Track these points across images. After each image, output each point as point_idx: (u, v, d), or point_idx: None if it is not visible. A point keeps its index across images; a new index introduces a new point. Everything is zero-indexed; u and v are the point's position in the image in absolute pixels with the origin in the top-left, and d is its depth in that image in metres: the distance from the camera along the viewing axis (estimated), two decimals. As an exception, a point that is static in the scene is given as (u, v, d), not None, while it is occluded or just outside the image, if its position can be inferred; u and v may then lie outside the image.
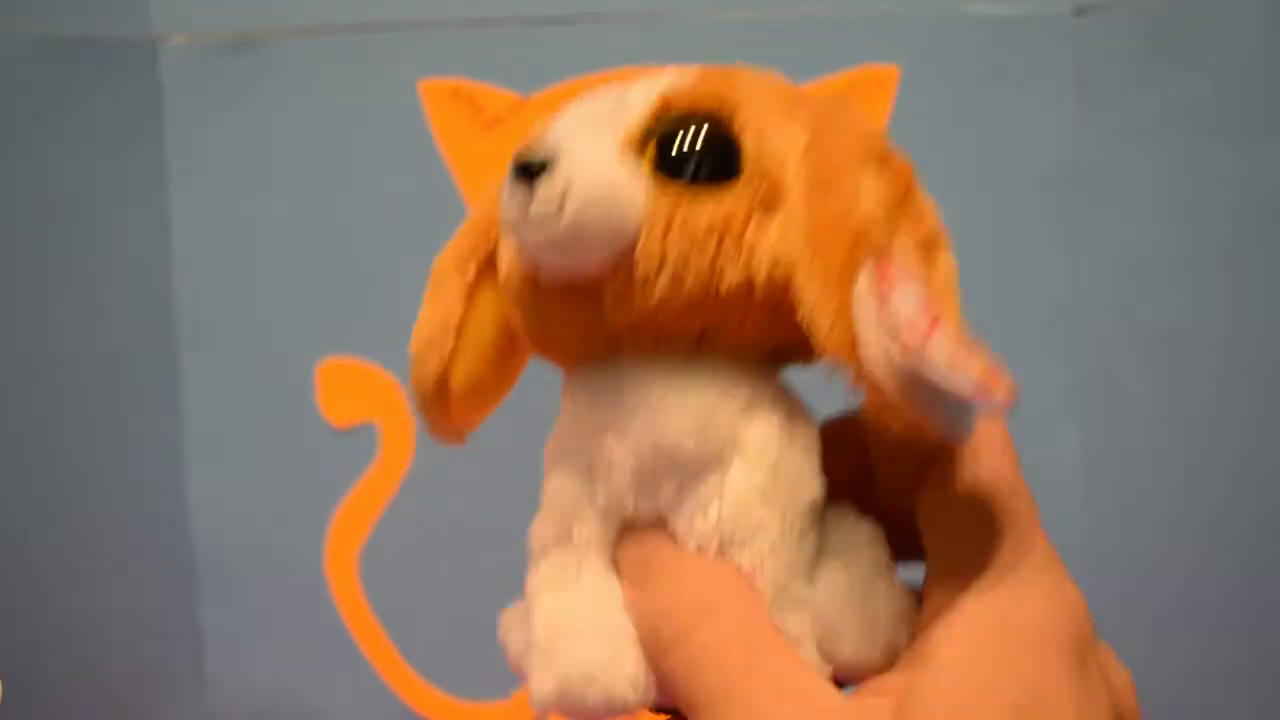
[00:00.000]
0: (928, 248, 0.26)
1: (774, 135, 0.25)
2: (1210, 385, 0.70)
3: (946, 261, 0.26)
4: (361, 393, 0.75)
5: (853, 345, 0.22)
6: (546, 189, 0.23)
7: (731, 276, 0.24)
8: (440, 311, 0.28)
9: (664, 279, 0.24)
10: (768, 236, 0.24)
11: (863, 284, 0.22)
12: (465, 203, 0.74)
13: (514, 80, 0.73)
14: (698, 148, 0.24)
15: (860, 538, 0.26)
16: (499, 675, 0.77)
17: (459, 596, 0.75)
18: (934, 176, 0.73)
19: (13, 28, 0.71)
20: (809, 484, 0.25)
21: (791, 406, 0.26)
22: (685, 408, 0.25)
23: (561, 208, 0.23)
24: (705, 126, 0.25)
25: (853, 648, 0.25)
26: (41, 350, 0.73)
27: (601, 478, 0.25)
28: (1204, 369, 0.70)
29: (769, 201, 0.24)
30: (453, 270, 0.29)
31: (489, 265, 0.28)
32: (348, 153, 0.74)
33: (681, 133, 0.24)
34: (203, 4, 0.75)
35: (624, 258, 0.24)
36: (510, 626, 0.30)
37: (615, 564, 0.26)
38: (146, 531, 0.76)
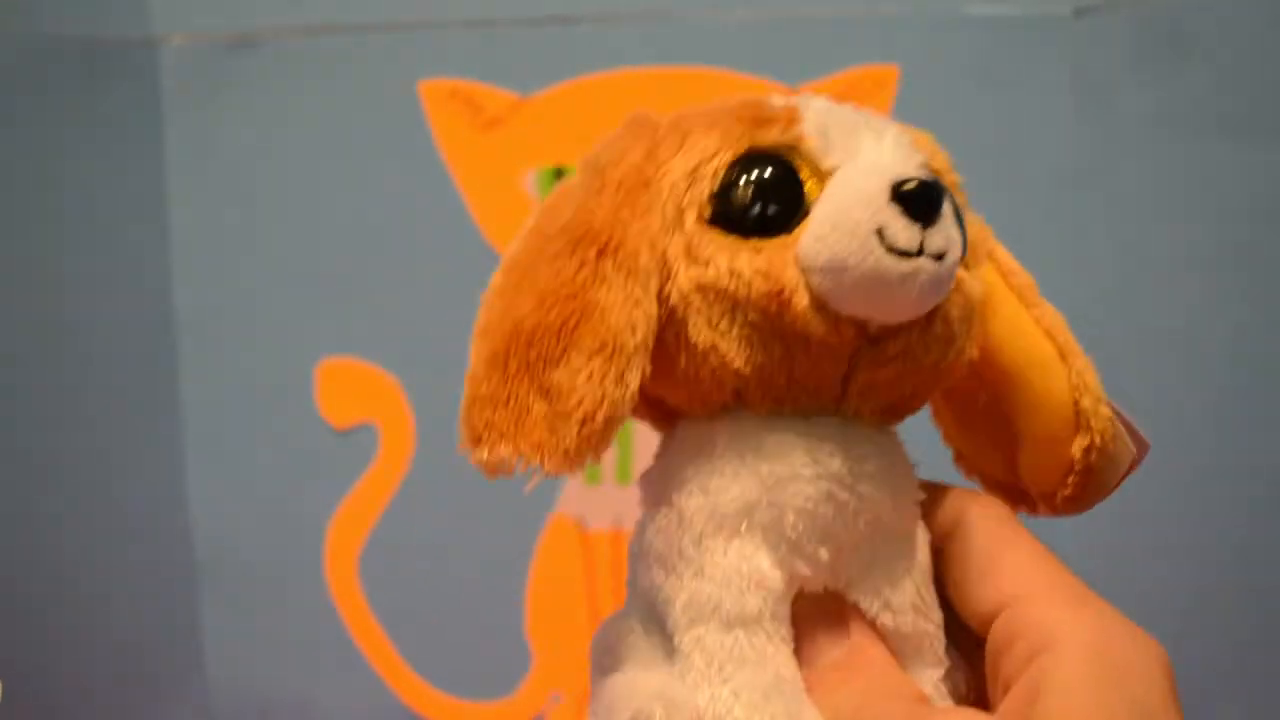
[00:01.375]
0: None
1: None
2: (1210, 384, 0.70)
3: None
4: (361, 393, 0.75)
5: (1105, 424, 0.25)
6: (944, 231, 0.22)
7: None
8: (645, 314, 0.23)
9: (944, 345, 0.24)
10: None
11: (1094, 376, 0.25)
12: (465, 203, 0.74)
13: (514, 81, 0.73)
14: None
15: None
16: (498, 675, 0.77)
17: (458, 596, 0.76)
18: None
19: (13, 28, 0.71)
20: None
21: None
22: (899, 479, 0.24)
23: (945, 255, 0.22)
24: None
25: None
26: (42, 350, 0.73)
27: (807, 551, 0.23)
28: (1204, 368, 0.70)
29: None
30: (649, 259, 0.23)
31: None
32: (348, 153, 0.74)
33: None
34: (202, 4, 0.75)
35: (923, 317, 0.23)
36: (654, 698, 0.24)
37: (797, 640, 0.24)
38: (146, 531, 0.76)
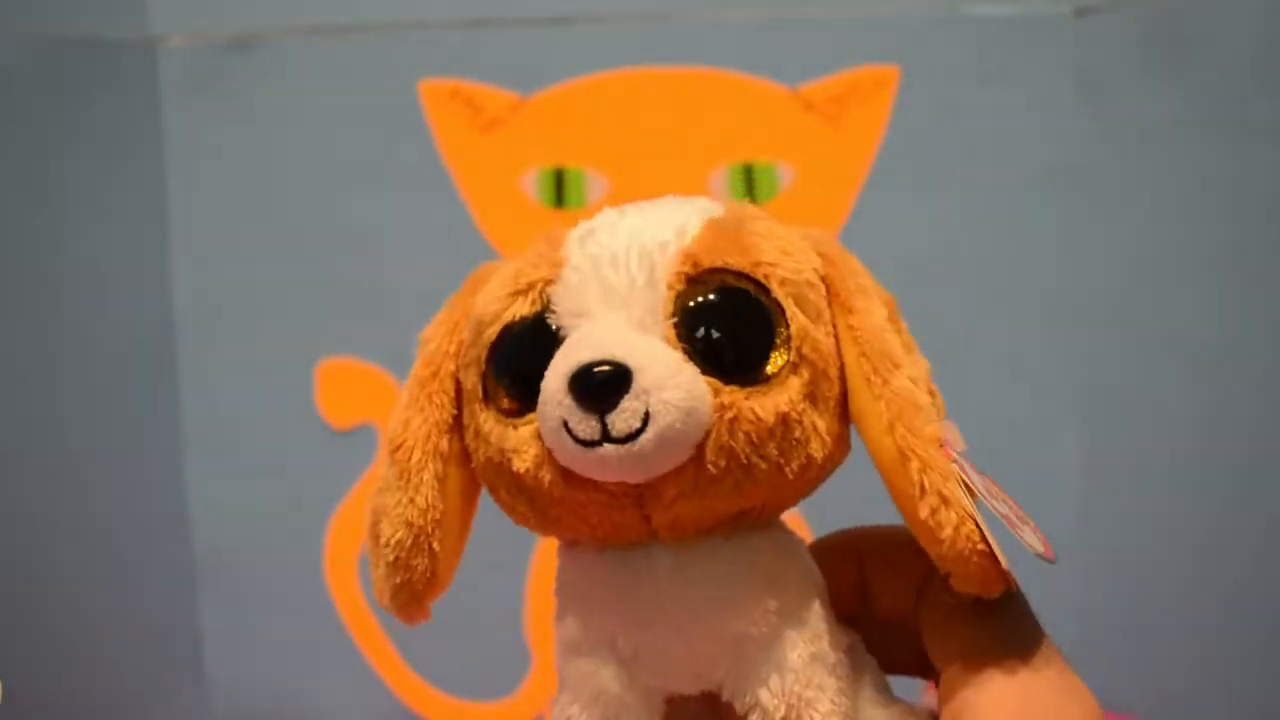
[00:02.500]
0: (910, 350, 0.26)
1: (808, 313, 0.25)
2: (1209, 385, 0.70)
3: (923, 365, 0.26)
4: (361, 393, 0.75)
5: (954, 531, 0.23)
6: (629, 409, 0.22)
7: (796, 462, 0.24)
8: (418, 510, 0.26)
9: (735, 475, 0.24)
10: (830, 417, 0.25)
11: (946, 468, 0.24)
12: (465, 203, 0.74)
13: (514, 81, 0.73)
14: (738, 337, 0.24)
15: (859, 660, 0.27)
16: (498, 675, 0.77)
17: (458, 597, 0.75)
18: (934, 177, 0.74)
19: (13, 28, 0.71)
20: (841, 631, 0.26)
21: (801, 551, 0.27)
22: (739, 592, 0.25)
23: (646, 427, 0.23)
24: (740, 309, 0.24)
25: None
26: (42, 350, 0.73)
27: (648, 666, 0.25)
28: (1203, 369, 0.70)
29: (823, 382, 0.25)
30: (421, 455, 0.26)
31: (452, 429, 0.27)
32: (348, 153, 0.74)
33: (716, 320, 0.24)
34: (202, 5, 0.75)
35: (690, 459, 0.24)
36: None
37: None
38: (146, 532, 0.76)
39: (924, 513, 0.23)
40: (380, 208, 0.74)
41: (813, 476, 0.25)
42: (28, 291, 0.73)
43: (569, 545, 0.27)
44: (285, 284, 0.75)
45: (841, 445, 0.26)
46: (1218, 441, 0.70)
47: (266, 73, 0.74)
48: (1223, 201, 0.69)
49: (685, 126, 0.72)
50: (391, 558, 0.27)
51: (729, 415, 0.23)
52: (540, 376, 0.24)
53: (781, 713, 0.25)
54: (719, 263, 0.24)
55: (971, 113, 0.72)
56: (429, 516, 0.26)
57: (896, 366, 0.24)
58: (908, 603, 0.27)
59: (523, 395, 0.25)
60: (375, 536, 0.27)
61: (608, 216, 0.26)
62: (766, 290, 0.24)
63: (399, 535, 0.26)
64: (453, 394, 0.27)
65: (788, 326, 0.24)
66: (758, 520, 0.26)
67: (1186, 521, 0.71)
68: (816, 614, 0.26)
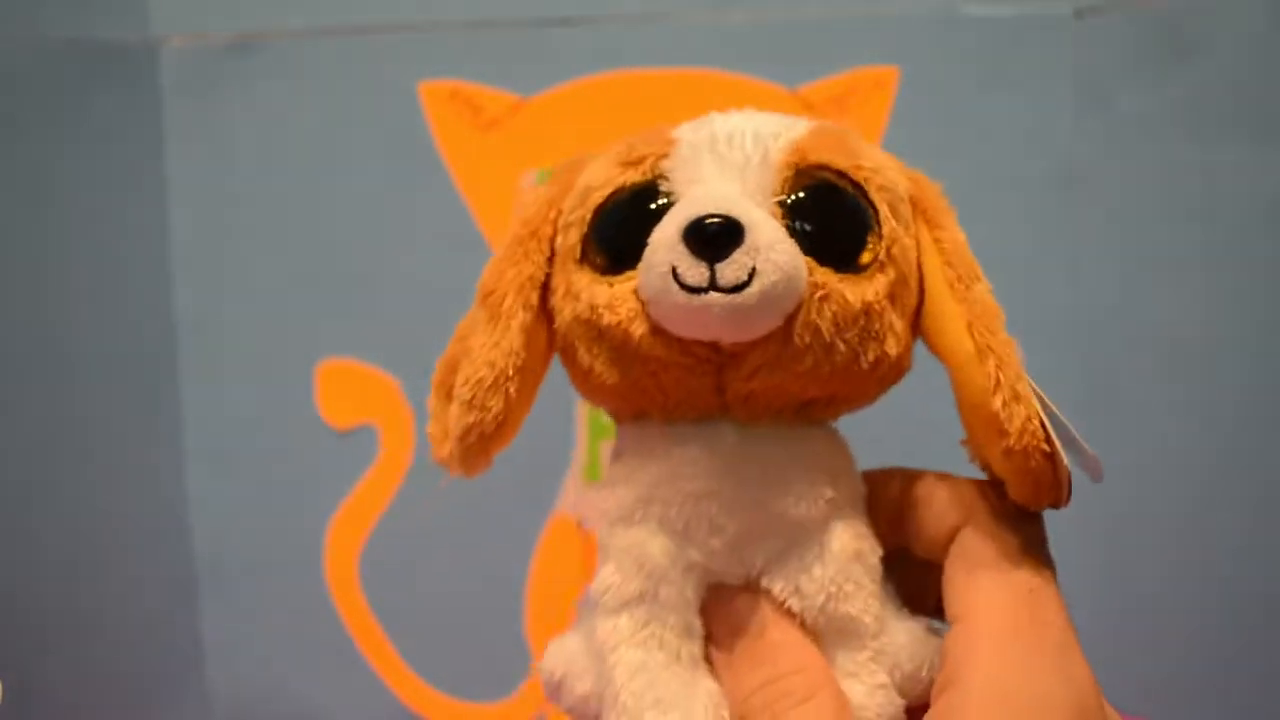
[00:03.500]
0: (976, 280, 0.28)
1: (898, 221, 0.26)
2: (1210, 384, 0.70)
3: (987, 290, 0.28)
4: (361, 394, 0.75)
5: (1023, 425, 0.24)
6: (739, 262, 0.23)
7: (873, 354, 0.25)
8: (503, 352, 0.27)
9: (816, 354, 0.25)
10: (905, 321, 0.26)
11: (1020, 368, 0.25)
12: (465, 204, 0.74)
13: (514, 82, 0.73)
14: (836, 226, 0.25)
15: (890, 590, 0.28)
16: (498, 675, 0.77)
17: (458, 597, 0.76)
18: (934, 177, 0.73)
19: (13, 29, 0.71)
20: (877, 542, 0.27)
21: (852, 459, 0.28)
22: (797, 476, 0.26)
23: (751, 281, 0.23)
24: (841, 203, 0.25)
25: (920, 688, 0.26)
26: (41, 351, 0.73)
27: (698, 540, 0.26)
28: (1204, 369, 0.70)
29: (903, 287, 0.26)
30: (514, 301, 0.27)
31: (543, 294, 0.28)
32: (348, 154, 0.75)
33: (818, 206, 0.25)
34: (202, 6, 0.75)
35: (779, 329, 0.24)
36: (563, 660, 0.29)
37: (705, 627, 0.27)
38: (146, 532, 0.76)
39: (996, 404, 0.24)
40: (380, 208, 0.75)
41: (881, 375, 0.26)
42: (28, 292, 0.73)
43: (634, 420, 0.28)
44: (285, 284, 0.76)
45: (909, 354, 0.27)
46: (1217, 441, 0.70)
47: (267, 73, 0.74)
48: (1222, 201, 0.69)
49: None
50: (469, 396, 0.27)
51: (820, 293, 0.24)
52: (642, 241, 0.25)
53: (820, 601, 0.26)
54: (825, 159, 0.26)
55: (971, 113, 0.72)
56: (512, 361, 0.27)
57: (978, 278, 0.27)
58: (939, 546, 0.27)
59: (622, 256, 0.25)
60: (445, 382, 0.28)
61: (717, 114, 0.27)
62: (864, 191, 0.26)
63: (480, 374, 0.27)
64: (547, 255, 0.27)
65: (880, 226, 0.26)
66: (822, 415, 0.27)
67: (1186, 521, 0.71)
68: (862, 516, 0.27)
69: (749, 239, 0.23)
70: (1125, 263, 0.71)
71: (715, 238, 0.23)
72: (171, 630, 0.77)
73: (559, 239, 0.27)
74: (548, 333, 0.28)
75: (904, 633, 0.27)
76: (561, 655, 0.28)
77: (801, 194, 0.25)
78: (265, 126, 0.75)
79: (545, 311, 0.28)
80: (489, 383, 0.26)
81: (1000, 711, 0.23)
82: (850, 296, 0.25)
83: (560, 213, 0.27)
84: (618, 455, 0.28)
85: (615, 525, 0.27)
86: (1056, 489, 0.25)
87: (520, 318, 0.27)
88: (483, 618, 0.76)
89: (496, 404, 0.27)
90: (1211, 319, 0.70)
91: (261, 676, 0.78)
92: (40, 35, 0.72)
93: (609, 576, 0.27)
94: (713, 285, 0.23)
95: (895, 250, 0.26)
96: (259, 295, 0.76)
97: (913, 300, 0.26)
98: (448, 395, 0.28)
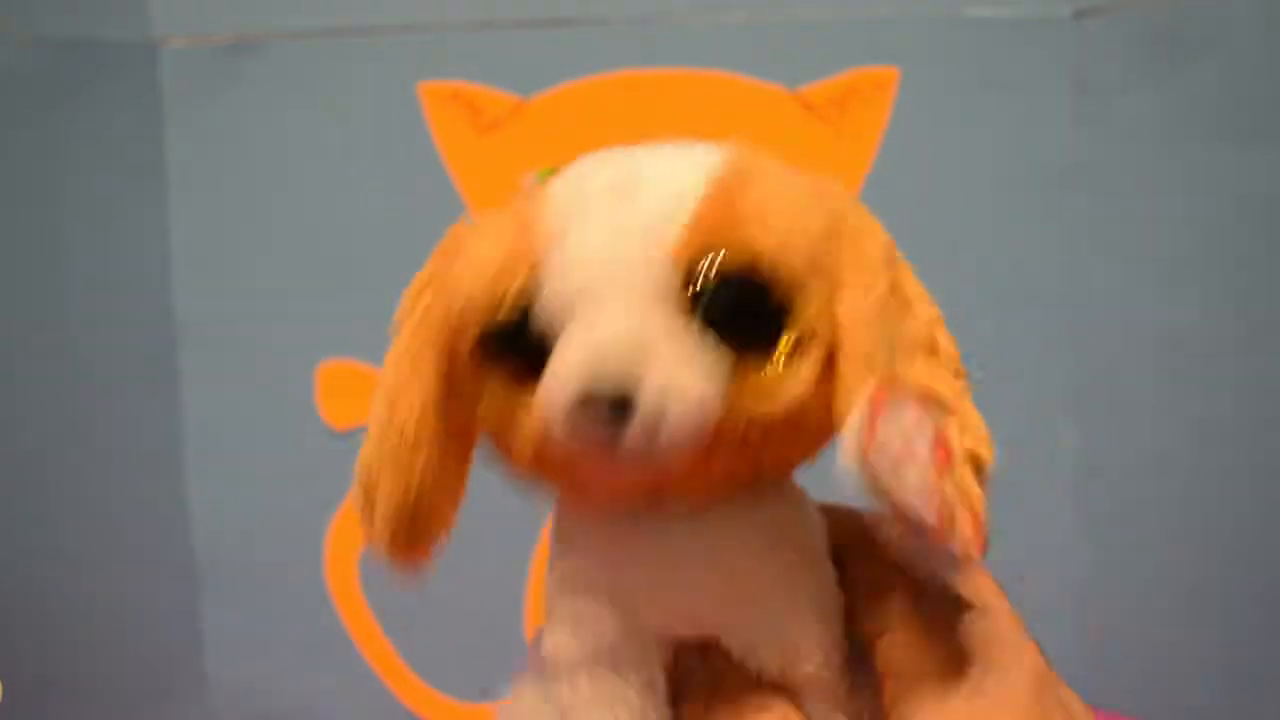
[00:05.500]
0: (915, 302, 0.25)
1: (816, 279, 0.24)
2: (1209, 385, 0.70)
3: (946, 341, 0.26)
4: (361, 395, 0.75)
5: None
6: (641, 424, 0.22)
7: (808, 432, 0.24)
8: (414, 489, 0.26)
9: (748, 454, 0.24)
10: (832, 387, 0.24)
11: (857, 412, 0.22)
12: (465, 205, 0.74)
13: (514, 83, 0.73)
14: (748, 321, 0.23)
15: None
16: (497, 676, 0.77)
17: (458, 598, 0.75)
18: (934, 178, 0.74)
19: (14, 29, 0.71)
20: (838, 590, 0.26)
21: (807, 505, 0.27)
22: (749, 548, 0.25)
23: (656, 433, 0.22)
24: (751, 292, 0.23)
25: None
26: (41, 351, 0.73)
27: (651, 612, 0.25)
28: (1203, 369, 0.70)
29: (829, 366, 0.24)
30: (416, 432, 0.26)
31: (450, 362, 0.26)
32: (347, 155, 0.75)
33: (724, 305, 0.23)
34: (202, 6, 0.75)
35: (702, 449, 0.23)
36: (523, 717, 0.28)
37: (666, 683, 0.26)
38: (146, 531, 0.76)
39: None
40: (380, 209, 0.75)
41: (826, 435, 0.25)
42: (29, 292, 0.73)
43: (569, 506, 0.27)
44: (285, 285, 0.76)
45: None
46: (1217, 441, 0.70)
47: (267, 74, 0.74)
48: (1222, 202, 0.69)
49: (685, 128, 0.72)
50: (389, 532, 0.27)
51: (741, 404, 0.23)
52: (541, 359, 0.23)
53: (778, 664, 0.25)
54: (722, 242, 0.23)
55: (971, 114, 0.72)
56: (428, 498, 0.26)
57: (880, 342, 0.24)
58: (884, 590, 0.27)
59: (521, 378, 0.24)
60: (369, 499, 0.27)
61: (597, 175, 0.25)
62: (778, 266, 0.23)
63: (396, 512, 0.27)
64: (443, 367, 0.26)
65: (800, 303, 0.23)
66: (772, 479, 0.26)
67: (1185, 521, 0.71)
68: (820, 569, 0.26)
69: (645, 398, 0.22)
70: (1123, 262, 0.71)
71: (609, 413, 0.22)
72: (171, 630, 0.77)
73: (456, 345, 0.26)
74: (464, 435, 0.27)
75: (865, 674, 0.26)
76: (520, 712, 0.28)
77: (706, 284, 0.23)
78: (265, 126, 0.75)
79: (457, 411, 0.26)
80: (408, 519, 0.26)
81: (955, 700, 0.23)
82: (774, 398, 0.23)
83: (445, 312, 0.26)
84: (558, 528, 0.27)
85: (563, 592, 0.26)
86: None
87: (424, 452, 0.26)
88: (483, 618, 0.76)
89: (421, 532, 0.27)
90: (1209, 318, 0.70)
91: (261, 676, 0.78)
92: (40, 35, 0.72)
93: (564, 638, 0.26)
94: (615, 448, 0.22)
95: (819, 325, 0.24)
96: (259, 295, 0.76)
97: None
98: (370, 501, 0.27)
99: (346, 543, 0.77)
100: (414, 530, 0.27)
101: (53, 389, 0.73)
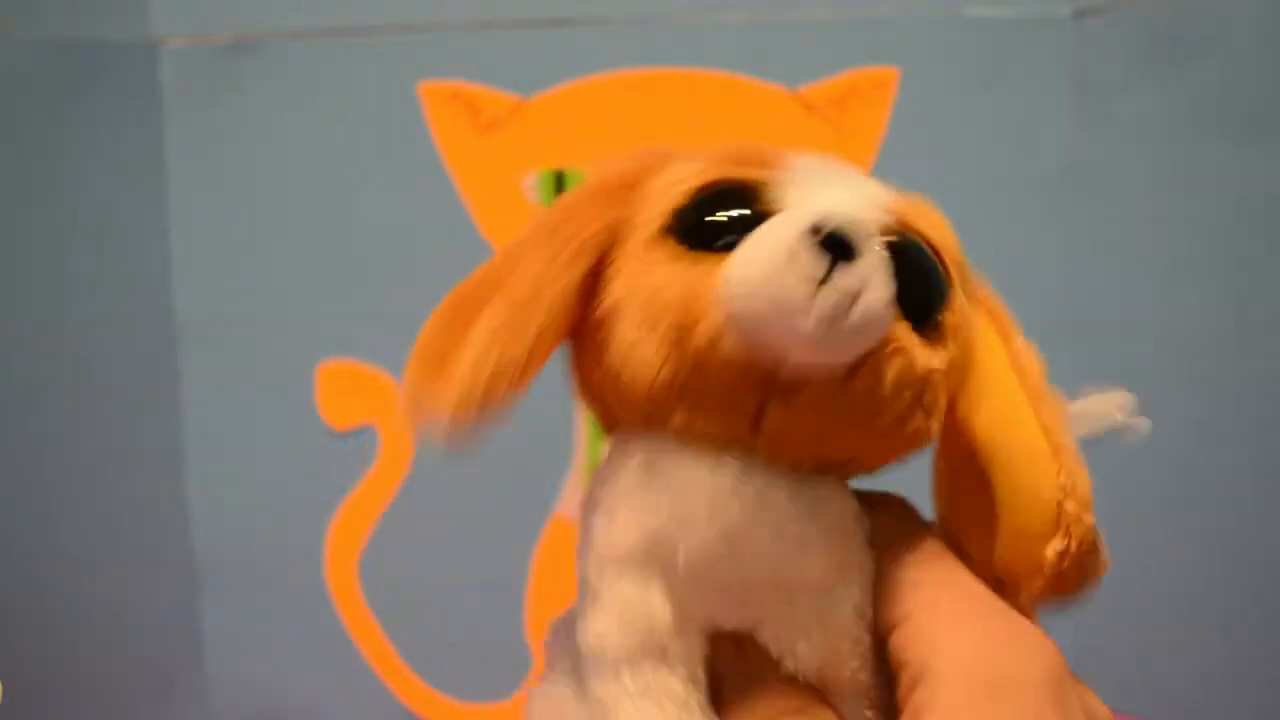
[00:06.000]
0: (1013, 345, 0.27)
1: (964, 298, 0.26)
2: (1209, 383, 0.70)
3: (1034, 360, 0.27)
4: (361, 395, 0.75)
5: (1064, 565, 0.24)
6: (848, 278, 0.22)
7: (916, 423, 0.24)
8: (516, 359, 0.24)
9: (869, 407, 0.23)
10: (944, 403, 0.25)
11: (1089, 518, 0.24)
12: (465, 205, 0.74)
13: (514, 82, 0.73)
14: (921, 287, 0.24)
15: None
16: (498, 675, 0.77)
17: (458, 598, 0.76)
18: (934, 178, 0.73)
19: (13, 29, 0.71)
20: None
21: (862, 522, 0.26)
22: (814, 536, 0.24)
23: (854, 303, 0.22)
24: (928, 265, 0.24)
25: None
26: (43, 350, 0.73)
27: (701, 590, 0.24)
28: (1204, 369, 0.70)
29: (956, 370, 0.25)
30: (545, 316, 0.24)
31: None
32: (348, 155, 0.75)
33: (908, 264, 0.24)
34: (202, 6, 0.75)
35: (843, 369, 0.23)
36: (552, 713, 0.27)
37: (709, 679, 0.25)
38: (146, 531, 0.76)
39: (1070, 506, 0.24)
40: (380, 209, 0.75)
41: (909, 448, 0.25)
42: (29, 292, 0.73)
43: (638, 437, 0.25)
44: (285, 285, 0.76)
45: (938, 432, 0.25)
46: (1216, 441, 0.70)
47: (267, 74, 0.74)
48: (1222, 202, 0.69)
49: (685, 128, 0.72)
50: (462, 394, 0.24)
51: (894, 346, 0.23)
52: (741, 234, 0.23)
53: (814, 665, 0.25)
54: (917, 223, 0.25)
55: (971, 114, 0.72)
56: (525, 375, 0.24)
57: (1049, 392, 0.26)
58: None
59: (713, 238, 0.23)
60: (443, 349, 0.24)
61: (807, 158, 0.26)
62: (944, 263, 0.25)
63: (479, 383, 0.24)
64: (592, 256, 0.25)
65: (954, 301, 0.25)
66: (837, 473, 0.25)
67: (1185, 521, 0.71)
68: (868, 574, 0.25)
69: (868, 257, 0.22)
70: (1124, 263, 0.71)
71: (842, 241, 0.22)
72: (171, 630, 0.77)
73: (638, 217, 0.25)
74: (569, 322, 0.25)
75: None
76: (549, 708, 0.26)
77: (898, 245, 0.24)
78: (265, 126, 0.75)
79: (580, 298, 0.25)
80: (483, 391, 0.24)
81: (977, 694, 0.22)
82: (918, 358, 0.23)
83: (640, 195, 0.25)
84: (614, 472, 0.25)
85: (609, 566, 0.24)
86: (1076, 596, 0.25)
87: (538, 325, 0.24)
88: (483, 618, 0.76)
89: (491, 411, 0.24)
90: (1209, 319, 0.70)
91: (262, 676, 0.78)
92: (41, 35, 0.72)
93: (606, 628, 0.24)
94: (824, 282, 0.22)
95: (960, 327, 0.25)
96: (259, 295, 0.76)
97: (952, 388, 0.25)
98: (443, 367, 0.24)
99: (346, 543, 0.77)
100: (482, 416, 0.24)
101: (53, 389, 0.73)
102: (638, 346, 0.23)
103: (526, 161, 0.74)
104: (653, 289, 0.23)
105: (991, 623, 0.24)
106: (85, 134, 0.73)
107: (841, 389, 0.23)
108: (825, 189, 0.24)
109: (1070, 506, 0.24)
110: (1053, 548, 0.24)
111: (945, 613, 0.24)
